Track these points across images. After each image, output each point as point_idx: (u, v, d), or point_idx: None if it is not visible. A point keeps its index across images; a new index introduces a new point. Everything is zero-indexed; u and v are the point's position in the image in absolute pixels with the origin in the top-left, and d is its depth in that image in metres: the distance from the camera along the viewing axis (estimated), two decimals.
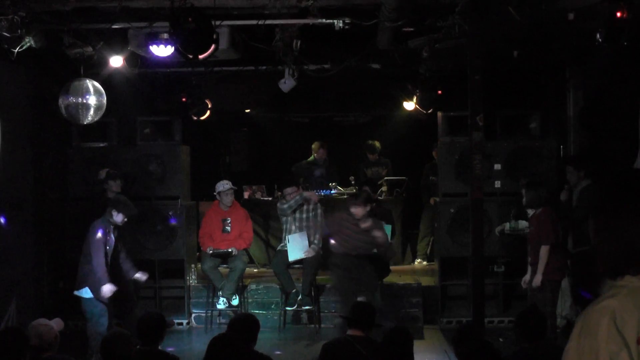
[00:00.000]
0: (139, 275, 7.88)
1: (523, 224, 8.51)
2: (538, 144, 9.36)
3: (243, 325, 4.99)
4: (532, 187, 7.56)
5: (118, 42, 7.59)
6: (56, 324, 5.09)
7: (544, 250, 7.28)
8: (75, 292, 7.50)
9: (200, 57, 6.39)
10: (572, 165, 8.18)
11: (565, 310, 8.30)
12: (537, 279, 7.29)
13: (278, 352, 8.07)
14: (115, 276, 7.60)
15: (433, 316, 9.32)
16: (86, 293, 7.42)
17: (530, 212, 7.96)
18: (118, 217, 7.51)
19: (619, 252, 1.97)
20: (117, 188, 8.47)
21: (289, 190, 9.18)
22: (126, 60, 7.98)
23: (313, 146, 11.49)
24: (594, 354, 1.89)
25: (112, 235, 7.57)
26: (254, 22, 7.23)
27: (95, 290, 7.38)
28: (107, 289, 7.36)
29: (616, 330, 1.87)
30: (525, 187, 7.66)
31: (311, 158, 11.47)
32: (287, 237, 9.09)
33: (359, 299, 8.08)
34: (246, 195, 11.05)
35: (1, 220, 8.11)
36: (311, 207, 9.19)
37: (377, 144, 11.58)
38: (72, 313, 7.98)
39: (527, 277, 7.64)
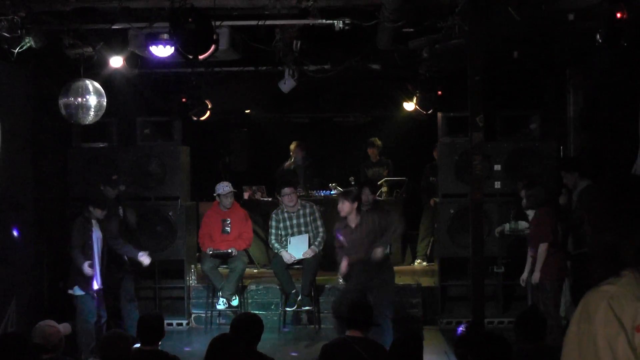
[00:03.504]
0: (142, 257, 8.20)
1: (523, 224, 8.52)
2: (538, 145, 9.35)
3: (245, 326, 4.97)
4: (530, 188, 7.61)
5: (118, 42, 7.59)
6: (63, 327, 5.10)
7: (542, 248, 7.33)
8: (69, 291, 7.75)
9: (200, 57, 6.38)
10: (564, 170, 8.18)
11: (564, 311, 8.29)
12: (536, 276, 7.35)
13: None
14: (110, 271, 8.05)
15: (433, 317, 9.33)
16: (77, 291, 7.67)
17: (530, 213, 7.97)
18: (97, 212, 7.78)
19: (605, 254, 1.98)
20: (112, 195, 8.53)
21: (287, 190, 9.19)
22: (126, 60, 7.98)
23: (291, 147, 11.52)
24: (592, 338, 1.90)
25: (96, 230, 7.79)
26: (254, 22, 7.22)
27: (87, 285, 7.64)
28: (85, 268, 7.59)
29: (613, 314, 1.88)
30: (525, 188, 7.69)
31: (290, 160, 11.51)
32: (288, 238, 9.11)
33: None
34: (246, 195, 11.05)
35: (14, 233, 8.32)
36: (308, 211, 9.17)
37: (378, 140, 11.59)
38: (72, 313, 7.97)
39: (524, 275, 7.69)
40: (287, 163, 11.56)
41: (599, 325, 1.88)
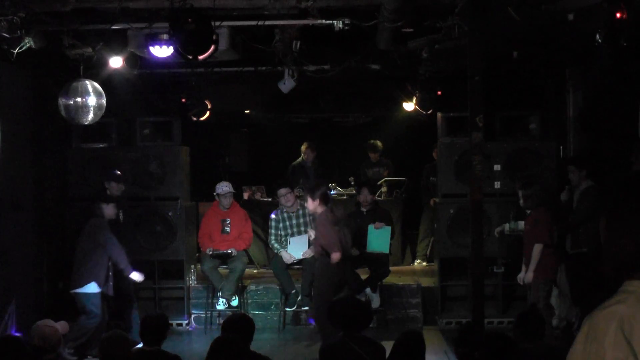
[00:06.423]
0: (136, 276, 7.95)
1: (522, 224, 8.51)
2: (538, 145, 9.35)
3: (238, 327, 4.97)
4: (526, 187, 7.62)
5: (118, 42, 7.59)
6: (61, 326, 5.09)
7: (537, 249, 7.38)
8: (78, 290, 7.57)
9: (200, 57, 6.38)
10: (574, 165, 8.17)
11: (564, 312, 8.29)
12: (529, 276, 7.43)
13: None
14: (116, 273, 7.85)
15: (433, 317, 9.33)
16: (91, 288, 7.52)
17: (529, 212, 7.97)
18: (109, 210, 7.65)
19: (629, 253, 1.96)
20: (117, 191, 8.47)
21: (282, 191, 9.20)
22: (126, 61, 7.97)
23: (302, 147, 11.50)
24: (599, 359, 1.88)
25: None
26: (253, 22, 7.22)
27: (105, 284, 7.59)
28: (137, 276, 7.81)
29: (623, 337, 1.86)
30: (521, 187, 7.70)
31: (300, 159, 11.48)
32: (288, 238, 9.11)
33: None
34: (246, 195, 11.05)
35: None
36: (307, 211, 9.16)
37: (379, 143, 11.60)
38: (72, 313, 7.97)
39: (521, 274, 7.73)
40: (296, 162, 11.53)
41: (608, 347, 1.86)
